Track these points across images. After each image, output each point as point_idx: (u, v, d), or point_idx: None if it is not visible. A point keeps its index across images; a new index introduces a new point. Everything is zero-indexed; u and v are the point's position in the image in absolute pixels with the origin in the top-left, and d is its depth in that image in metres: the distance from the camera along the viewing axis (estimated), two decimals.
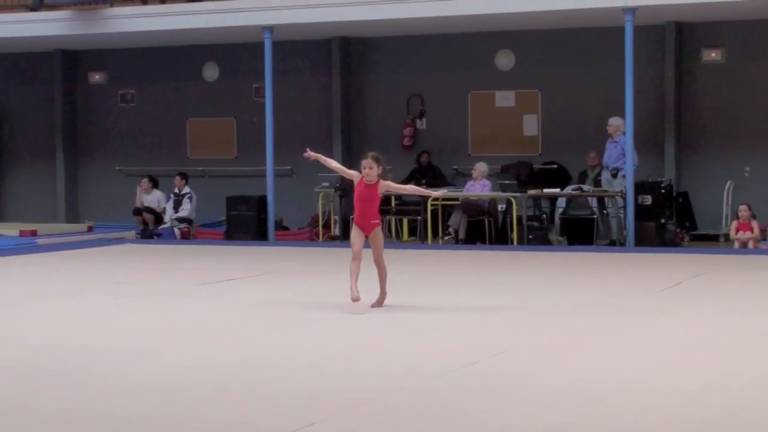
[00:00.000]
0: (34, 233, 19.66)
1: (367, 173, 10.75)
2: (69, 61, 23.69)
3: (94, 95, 23.78)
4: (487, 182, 19.06)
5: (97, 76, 23.68)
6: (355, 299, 10.44)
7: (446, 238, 19.08)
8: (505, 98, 20.94)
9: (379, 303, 10.82)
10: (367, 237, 10.82)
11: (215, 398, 7.15)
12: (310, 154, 11.27)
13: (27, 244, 18.67)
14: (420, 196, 12.36)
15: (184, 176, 21.17)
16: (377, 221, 10.86)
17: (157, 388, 7.45)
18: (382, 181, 10.87)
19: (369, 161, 10.73)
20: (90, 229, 20.98)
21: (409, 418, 6.59)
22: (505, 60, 20.94)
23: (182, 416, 6.72)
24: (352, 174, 11.04)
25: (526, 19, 19.19)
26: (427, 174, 20.52)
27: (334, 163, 11.60)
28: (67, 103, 23.71)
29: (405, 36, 21.19)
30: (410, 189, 12.00)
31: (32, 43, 22.30)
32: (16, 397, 7.15)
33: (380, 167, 10.75)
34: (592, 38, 20.25)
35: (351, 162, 21.61)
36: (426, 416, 6.65)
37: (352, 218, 11.10)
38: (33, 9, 21.35)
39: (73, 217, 23.57)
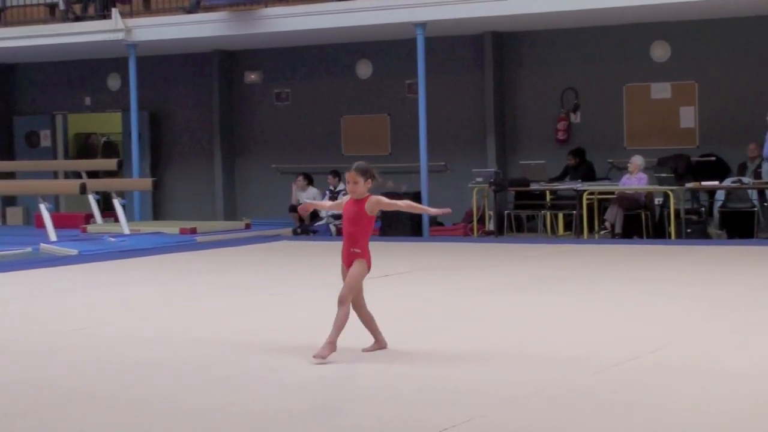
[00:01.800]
0: (193, 231, 20.03)
1: (351, 189, 8.50)
2: (225, 62, 24.10)
3: (250, 94, 24.13)
4: (644, 175, 18.81)
5: (252, 76, 24.02)
6: (318, 357, 8.08)
7: (602, 232, 18.89)
8: (661, 90, 20.65)
9: (375, 347, 8.60)
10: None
11: (377, 392, 7.22)
12: (306, 206, 9.28)
13: (187, 242, 19.03)
14: (430, 214, 9.61)
15: (336, 174, 21.35)
16: (359, 250, 8.41)
17: (319, 381, 7.56)
18: (372, 197, 8.54)
19: (352, 174, 8.47)
20: (248, 227, 21.29)
21: (571, 413, 6.56)
22: (660, 51, 20.65)
23: (344, 411, 6.79)
24: (341, 202, 8.87)
25: (681, 9, 18.90)
26: (579, 170, 20.33)
27: (328, 204, 10.77)
28: (224, 102, 24.12)
29: (558, 29, 21.03)
30: (405, 205, 8.85)
31: (189, 44, 22.74)
32: (177, 391, 7.31)
33: (368, 180, 8.49)
34: (750, 27, 19.84)
35: (505, 157, 21.58)
36: (590, 410, 6.61)
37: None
38: (190, 11, 21.76)
39: (231, 214, 23.97)
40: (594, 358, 8.14)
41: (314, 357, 8.02)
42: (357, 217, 8.45)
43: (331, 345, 8.11)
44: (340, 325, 8.20)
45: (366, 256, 8.41)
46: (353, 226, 8.44)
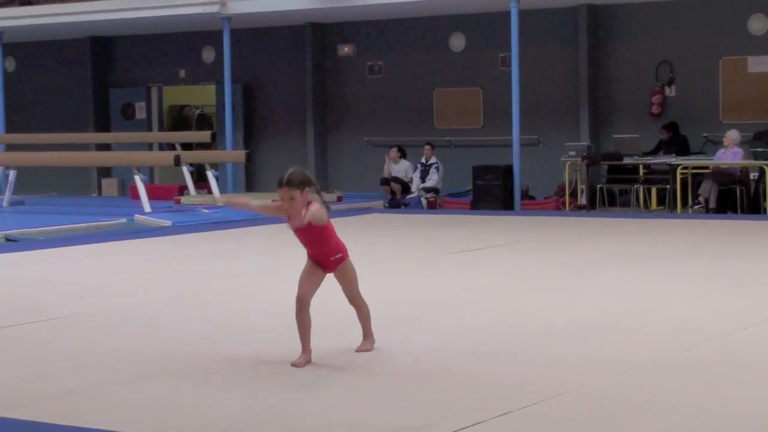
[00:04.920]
0: None
1: (289, 208, 7.24)
2: (318, 35, 24.17)
3: (342, 67, 24.20)
4: (739, 150, 18.58)
5: (345, 49, 24.08)
6: (296, 364, 7.21)
7: (696, 207, 18.71)
8: (758, 63, 20.33)
9: (365, 347, 7.69)
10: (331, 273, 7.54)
11: (469, 362, 7.26)
12: (219, 200, 7.91)
13: None
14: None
15: (432, 146, 21.38)
16: (340, 255, 7.45)
17: (412, 352, 7.62)
18: (311, 207, 7.18)
19: (285, 191, 7.15)
20: (339, 199, 21.36)
21: (662, 388, 6.53)
22: (758, 24, 20.33)
23: (440, 378, 6.84)
24: (279, 208, 7.41)
25: None
26: (673, 144, 20.13)
27: (255, 203, 8.26)
28: (317, 75, 24.20)
29: (653, 2, 20.81)
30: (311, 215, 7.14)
31: (283, 17, 22.84)
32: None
33: (306, 189, 7.19)
34: None
35: (598, 131, 21.42)
36: (681, 386, 6.58)
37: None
38: None
39: (323, 186, 23.89)
40: (687, 333, 8.11)
41: (357, 351, 7.58)
42: (312, 234, 7.32)
43: (371, 337, 7.69)
44: (368, 317, 7.66)
45: (346, 253, 7.49)
46: (314, 243, 7.38)
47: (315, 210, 7.13)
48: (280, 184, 7.16)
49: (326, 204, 7.31)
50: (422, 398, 6.43)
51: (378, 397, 6.53)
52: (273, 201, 7.31)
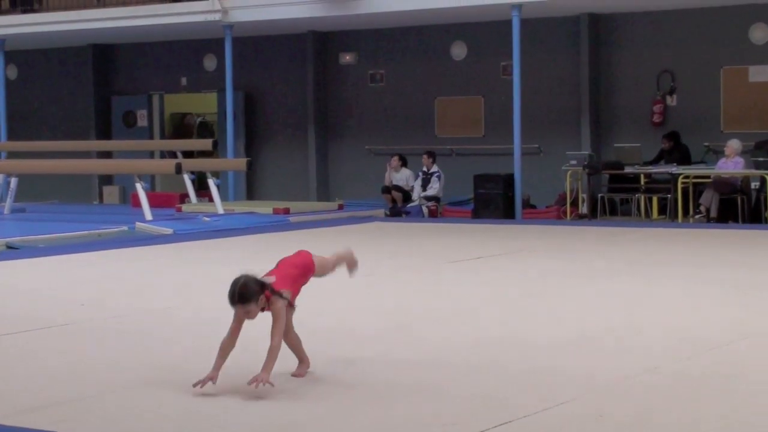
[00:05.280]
0: (286, 211, 20.15)
1: (249, 317, 6.77)
2: (320, 43, 24.18)
3: (344, 75, 24.21)
4: (740, 159, 18.58)
5: (347, 57, 24.09)
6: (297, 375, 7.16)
7: (697, 216, 18.70)
8: (759, 73, 20.32)
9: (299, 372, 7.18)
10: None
11: (466, 373, 7.25)
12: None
13: (280, 222, 19.16)
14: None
15: (431, 155, 21.39)
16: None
17: (414, 363, 7.60)
18: (274, 303, 6.77)
19: (239, 308, 6.72)
20: (340, 207, 21.37)
21: (665, 398, 6.53)
22: (759, 34, 20.33)
23: (438, 389, 6.82)
24: (239, 321, 6.82)
25: None
26: (674, 154, 20.12)
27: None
28: (319, 83, 24.21)
29: (654, 11, 20.82)
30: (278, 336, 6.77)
31: (285, 25, 22.85)
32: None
33: (261, 298, 6.71)
34: None
35: (599, 140, 21.41)
36: (685, 395, 6.57)
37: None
38: None
39: (324, 195, 24.08)
40: (687, 343, 8.10)
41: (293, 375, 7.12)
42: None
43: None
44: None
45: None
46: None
47: (279, 310, 6.76)
48: (233, 302, 6.67)
49: (284, 298, 6.82)
50: (419, 408, 6.42)
51: (376, 408, 6.52)
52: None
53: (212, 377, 6.75)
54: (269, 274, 6.99)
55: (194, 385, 6.71)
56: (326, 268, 7.44)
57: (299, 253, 7.28)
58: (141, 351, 8.18)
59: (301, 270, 7.14)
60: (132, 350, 8.23)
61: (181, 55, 25.70)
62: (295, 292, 7.05)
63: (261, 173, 24.82)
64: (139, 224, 18.05)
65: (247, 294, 6.64)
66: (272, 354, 6.71)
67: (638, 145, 20.12)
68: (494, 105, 22.37)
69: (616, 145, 20.72)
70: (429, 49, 23.15)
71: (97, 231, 17.42)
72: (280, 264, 7.15)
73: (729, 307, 9.75)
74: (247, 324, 6.82)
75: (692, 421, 6.07)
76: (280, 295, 6.80)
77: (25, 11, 24.40)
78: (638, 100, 21.31)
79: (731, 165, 18.60)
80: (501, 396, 6.65)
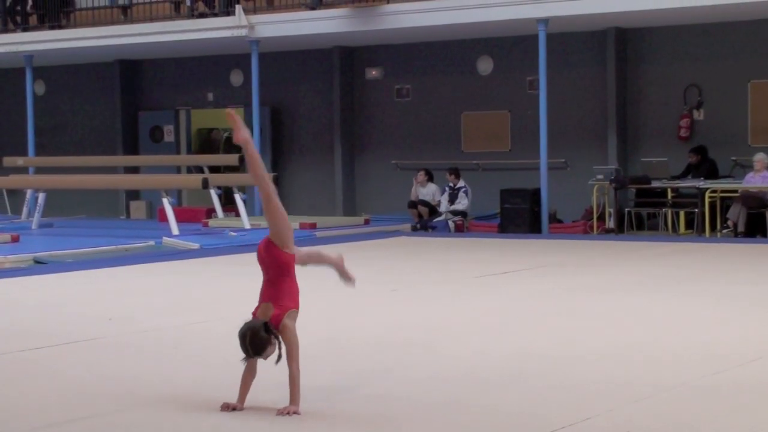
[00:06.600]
0: (313, 226, 20.17)
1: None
2: (346, 58, 24.22)
3: (370, 90, 24.23)
4: None
5: (373, 72, 24.12)
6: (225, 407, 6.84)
7: (725, 231, 18.62)
8: None
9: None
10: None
11: (494, 388, 7.22)
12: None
13: (307, 237, 19.15)
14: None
15: (453, 171, 21.32)
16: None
17: (441, 378, 7.57)
18: (284, 332, 6.74)
19: (250, 363, 6.85)
20: (367, 222, 21.37)
21: (692, 412, 6.49)
22: None
23: (467, 404, 6.80)
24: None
25: None
26: (701, 168, 20.04)
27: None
28: (345, 98, 24.24)
29: (681, 25, 20.76)
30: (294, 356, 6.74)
31: (311, 40, 22.90)
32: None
33: (272, 341, 6.70)
34: None
35: (626, 154, 21.35)
36: (711, 410, 6.54)
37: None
38: (312, 8, 21.92)
39: (350, 209, 24.09)
40: (716, 357, 8.06)
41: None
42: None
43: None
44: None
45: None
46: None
47: (291, 338, 6.74)
48: (249, 357, 6.74)
49: (290, 322, 6.82)
50: (448, 424, 6.41)
51: (405, 425, 6.51)
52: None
53: (238, 408, 6.79)
54: (263, 298, 6.91)
55: (222, 409, 6.77)
56: (307, 260, 7.49)
57: (268, 248, 7.11)
58: (168, 367, 8.19)
59: (285, 270, 7.03)
60: (159, 366, 8.23)
61: (208, 70, 25.78)
62: (295, 293, 6.99)
63: (287, 188, 24.83)
64: (165, 239, 18.11)
65: (260, 345, 6.68)
66: (294, 383, 6.73)
67: (665, 159, 20.05)
68: (520, 119, 22.34)
69: (642, 159, 20.66)
70: (455, 64, 23.16)
71: (124, 246, 17.48)
72: (264, 279, 7.00)
73: (758, 322, 9.70)
74: None
75: None
76: (285, 325, 6.75)
77: (52, 27, 24.53)
78: (665, 114, 21.24)
79: (759, 179, 18.53)
80: (530, 411, 6.64)
